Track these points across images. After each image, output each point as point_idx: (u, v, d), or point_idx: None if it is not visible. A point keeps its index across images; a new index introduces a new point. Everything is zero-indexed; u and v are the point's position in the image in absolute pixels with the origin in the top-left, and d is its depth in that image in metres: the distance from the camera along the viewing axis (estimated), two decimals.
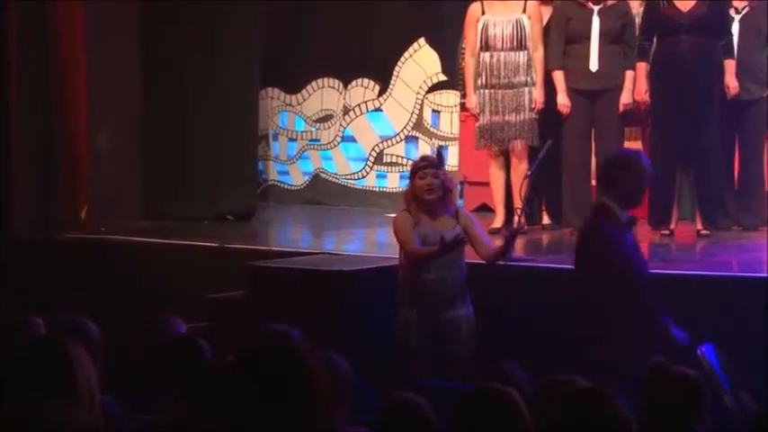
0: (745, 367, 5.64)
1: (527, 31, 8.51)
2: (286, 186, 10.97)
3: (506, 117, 8.54)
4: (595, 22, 8.43)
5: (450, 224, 6.42)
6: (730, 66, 8.38)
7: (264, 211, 10.23)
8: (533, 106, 8.53)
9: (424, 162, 6.54)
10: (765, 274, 7.20)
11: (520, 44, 8.51)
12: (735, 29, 8.57)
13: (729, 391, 5.28)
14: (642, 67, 8.39)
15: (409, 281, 6.41)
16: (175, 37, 9.54)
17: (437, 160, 6.61)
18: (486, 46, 8.55)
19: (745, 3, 8.65)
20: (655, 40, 8.39)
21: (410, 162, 10.41)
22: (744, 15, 8.63)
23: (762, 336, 6.39)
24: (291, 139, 10.94)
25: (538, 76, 8.55)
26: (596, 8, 8.45)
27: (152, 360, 4.46)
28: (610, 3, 8.46)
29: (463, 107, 9.94)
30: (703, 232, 8.29)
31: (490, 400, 3.61)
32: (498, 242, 6.66)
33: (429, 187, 6.35)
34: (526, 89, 8.55)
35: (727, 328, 6.28)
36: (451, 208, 6.50)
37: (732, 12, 8.61)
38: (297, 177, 10.93)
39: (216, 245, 8.11)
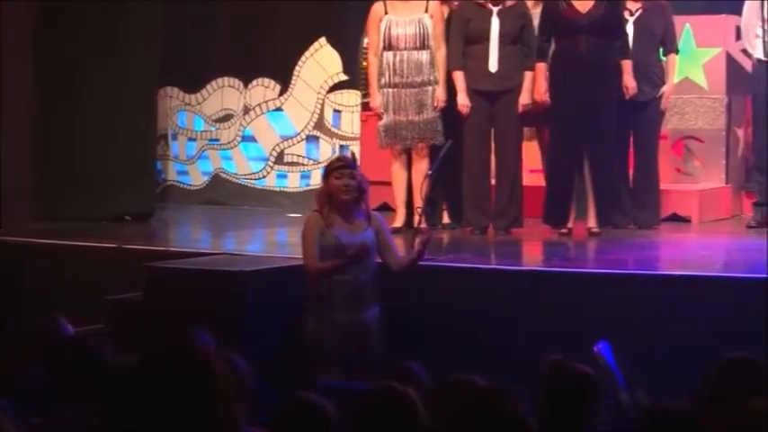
0: (641, 364, 5.72)
1: (429, 31, 8.56)
2: (185, 186, 10.89)
3: (410, 116, 8.58)
4: (495, 23, 8.49)
5: (363, 227, 6.40)
6: (628, 66, 8.50)
7: (163, 211, 10.14)
8: (436, 105, 8.57)
9: (341, 162, 6.52)
10: (661, 272, 7.32)
11: (422, 44, 8.56)
12: (629, 30, 8.69)
13: (625, 387, 5.35)
14: (542, 67, 8.47)
15: (318, 282, 6.37)
16: (73, 36, 9.41)
17: (353, 160, 6.60)
18: (389, 45, 8.58)
19: (638, 5, 8.78)
20: (554, 40, 8.48)
21: (311, 162, 10.43)
22: (637, 18, 8.76)
23: (656, 332, 6.49)
24: (191, 139, 10.87)
25: (440, 75, 8.59)
26: (495, 9, 8.51)
27: (42, 361, 4.40)
28: (509, 4, 8.53)
29: (364, 107, 9.96)
30: (594, 230, 8.38)
31: (387, 400, 3.62)
32: (407, 253, 6.64)
33: (346, 188, 6.32)
34: (429, 88, 8.59)
35: (623, 326, 6.37)
36: (364, 210, 6.48)
37: (626, 14, 8.73)
38: (196, 177, 10.85)
39: (114, 246, 8.02)
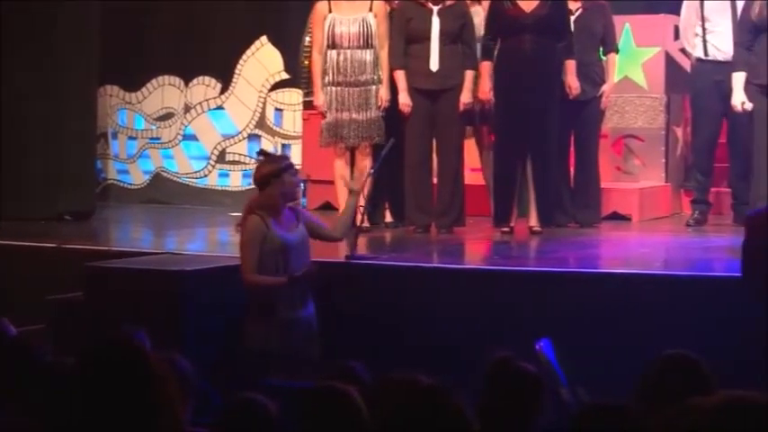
0: (582, 361, 5.76)
1: (373, 30, 8.57)
2: (126, 185, 10.83)
3: (353, 115, 8.58)
4: (435, 22, 8.51)
5: (295, 224, 6.41)
6: (571, 66, 8.54)
7: (104, 210, 10.07)
8: (379, 104, 8.59)
9: (289, 160, 6.54)
10: (601, 270, 7.38)
11: (366, 43, 8.57)
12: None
13: (566, 385, 5.38)
14: (486, 66, 8.50)
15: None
16: (11, 35, 9.32)
17: None
18: (332, 44, 8.58)
19: (578, 5, 8.83)
20: (499, 39, 8.51)
21: (253, 161, 10.39)
22: (577, 17, 8.81)
23: (597, 330, 6.53)
24: (131, 138, 10.81)
25: (384, 74, 8.61)
26: (436, 9, 8.53)
27: None
28: (448, 3, 8.55)
29: (306, 105, 9.95)
30: (536, 229, 8.43)
31: (329, 399, 3.62)
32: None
33: (298, 185, 6.37)
34: (373, 87, 8.61)
35: (564, 323, 6.41)
36: (291, 208, 6.48)
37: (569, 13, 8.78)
38: (137, 176, 10.79)
39: (53, 245, 7.95)
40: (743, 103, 7.85)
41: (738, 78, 7.88)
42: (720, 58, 8.75)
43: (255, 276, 6.28)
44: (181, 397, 3.35)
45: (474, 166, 9.15)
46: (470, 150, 9.08)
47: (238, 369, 6.23)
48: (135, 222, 10.27)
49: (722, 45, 8.76)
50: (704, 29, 8.85)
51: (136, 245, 8.73)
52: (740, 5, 8.44)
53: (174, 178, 10.66)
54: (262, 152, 6.86)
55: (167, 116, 10.67)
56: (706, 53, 8.86)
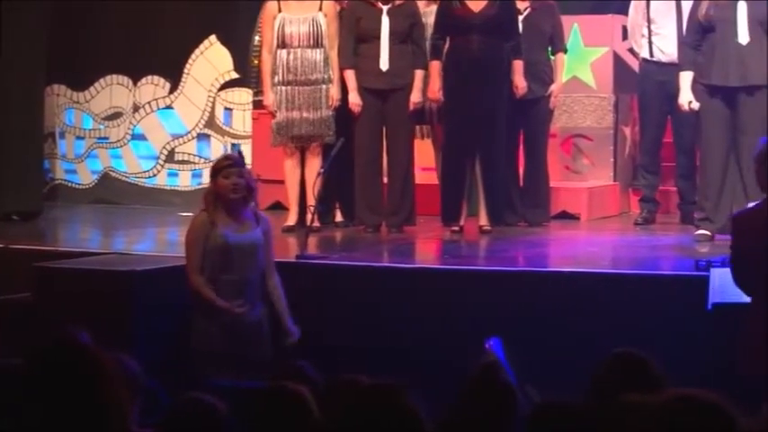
0: (532, 360, 5.78)
1: (323, 29, 8.56)
2: (74, 185, 10.75)
3: (303, 114, 8.57)
4: (385, 21, 8.52)
5: (251, 226, 6.37)
6: (519, 66, 8.57)
7: (52, 210, 10.00)
8: (330, 103, 8.58)
9: (229, 161, 6.47)
10: (550, 269, 7.41)
11: (316, 42, 8.56)
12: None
13: (516, 384, 5.39)
14: (435, 65, 8.52)
15: (208, 283, 6.31)
16: None
17: (240, 159, 6.57)
18: (282, 43, 8.57)
19: (527, 4, 8.87)
20: (448, 39, 8.53)
21: (202, 160, 10.36)
22: (526, 16, 8.85)
23: (547, 329, 6.56)
24: (79, 138, 10.73)
25: (334, 73, 8.60)
26: (385, 8, 8.54)
27: None
28: (398, 2, 8.56)
29: (256, 105, 9.92)
30: (486, 228, 8.45)
31: (280, 399, 3.61)
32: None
33: (234, 187, 6.28)
34: (323, 86, 8.60)
35: (514, 322, 6.43)
36: (252, 209, 6.44)
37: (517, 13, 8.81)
38: (85, 176, 10.72)
39: (0, 246, 7.88)
40: (690, 102, 7.91)
41: (685, 77, 7.94)
42: (665, 59, 8.82)
43: (198, 281, 6.25)
44: (128, 397, 3.33)
45: (428, 165, 9.16)
46: (425, 149, 9.10)
47: (187, 369, 6.20)
48: (83, 222, 10.19)
49: (666, 47, 8.83)
50: (650, 30, 8.92)
51: (84, 245, 8.66)
52: (685, 7, 8.50)
53: (123, 178, 10.60)
54: (239, 153, 6.80)
55: (115, 116, 10.60)
56: (651, 54, 8.94)
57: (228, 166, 6.34)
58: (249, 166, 9.53)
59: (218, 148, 10.28)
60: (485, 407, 4.01)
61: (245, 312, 6.24)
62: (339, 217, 8.98)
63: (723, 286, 6.00)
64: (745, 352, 5.19)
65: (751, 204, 5.82)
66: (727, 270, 6.22)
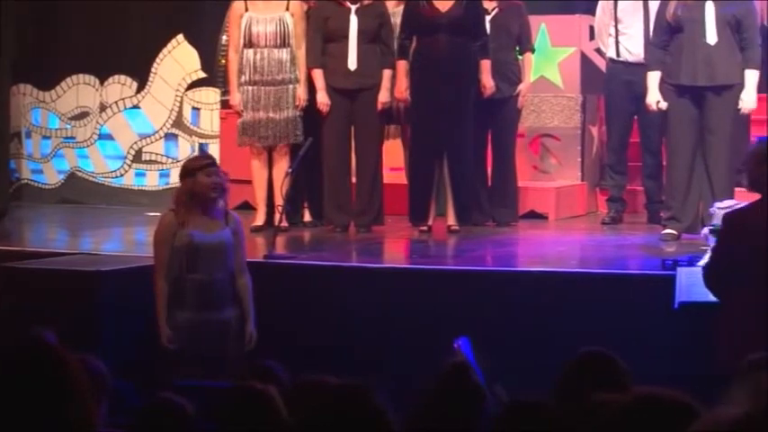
0: (501, 359, 5.79)
1: (290, 29, 8.55)
2: (40, 185, 10.70)
3: (270, 114, 8.56)
4: (353, 21, 8.51)
5: (220, 226, 6.34)
6: (486, 66, 8.58)
7: (18, 210, 9.94)
8: (297, 104, 8.57)
9: (210, 160, 6.47)
10: (518, 269, 7.43)
11: (283, 42, 8.55)
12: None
13: (484, 383, 5.40)
14: (402, 65, 8.52)
15: (174, 282, 6.29)
16: None
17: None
18: (249, 43, 8.55)
19: (494, 4, 8.88)
20: (415, 39, 8.53)
21: (170, 160, 10.33)
22: (493, 17, 8.87)
23: (515, 328, 6.58)
24: (45, 137, 10.68)
25: (301, 73, 8.59)
26: (354, 7, 8.53)
27: None
28: (366, 2, 8.56)
29: (223, 104, 9.90)
30: (454, 228, 8.46)
31: (247, 399, 3.61)
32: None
33: (214, 185, 6.26)
34: (290, 86, 8.58)
35: (482, 322, 6.44)
36: (222, 209, 6.42)
37: (484, 13, 8.82)
38: (51, 176, 10.67)
39: None
40: (657, 102, 7.94)
41: (653, 77, 7.97)
42: (631, 59, 8.86)
43: (159, 287, 6.24)
44: (94, 397, 3.31)
45: (396, 165, 9.16)
46: (394, 149, 9.10)
47: (155, 369, 6.18)
48: (50, 222, 10.14)
49: (633, 47, 8.87)
50: (617, 30, 8.96)
51: (51, 245, 8.62)
52: (653, 7, 8.54)
53: (90, 178, 10.56)
54: (201, 149, 6.79)
55: (82, 115, 10.55)
56: (618, 54, 8.97)
57: (210, 164, 6.33)
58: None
59: (185, 148, 10.25)
60: (452, 406, 4.02)
61: (171, 347, 6.21)
62: (307, 217, 8.96)
63: (690, 285, 6.04)
64: (723, 351, 5.18)
65: (741, 204, 5.85)
66: (694, 269, 6.26)
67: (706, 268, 5.54)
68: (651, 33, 8.37)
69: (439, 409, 3.99)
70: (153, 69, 10.36)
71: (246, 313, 6.38)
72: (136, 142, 10.45)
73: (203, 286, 6.28)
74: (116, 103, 10.47)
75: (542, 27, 9.65)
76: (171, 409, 3.78)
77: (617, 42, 8.96)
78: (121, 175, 10.49)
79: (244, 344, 6.35)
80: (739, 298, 5.32)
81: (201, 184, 6.24)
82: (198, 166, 6.31)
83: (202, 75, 10.30)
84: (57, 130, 10.64)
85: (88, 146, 10.56)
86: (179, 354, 6.23)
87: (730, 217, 5.53)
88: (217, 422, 3.68)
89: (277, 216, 7.95)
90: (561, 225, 9.15)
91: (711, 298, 5.54)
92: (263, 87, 8.57)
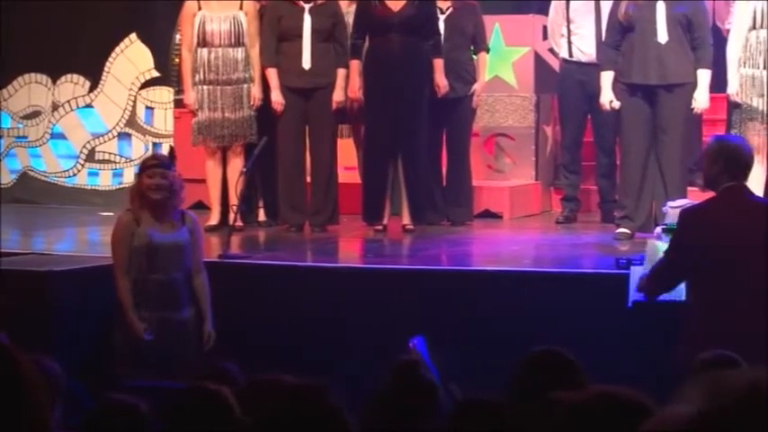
0: (456, 358, 5.80)
1: (244, 28, 8.54)
2: None
3: (225, 113, 8.54)
4: (307, 20, 8.50)
5: (176, 226, 6.33)
6: (439, 65, 8.60)
7: None
8: (252, 103, 8.55)
9: (155, 161, 6.45)
10: (473, 268, 7.44)
11: (237, 41, 8.53)
12: (440, 29, 8.80)
13: (439, 382, 5.40)
14: (355, 65, 8.52)
15: (134, 283, 6.26)
16: None
17: (168, 160, 6.53)
18: (203, 42, 8.52)
19: (449, 4, 8.90)
20: (367, 38, 8.54)
21: (124, 160, 10.27)
22: (448, 16, 8.88)
23: (470, 327, 6.59)
24: None
25: (255, 72, 8.57)
26: (307, 6, 8.52)
27: None
28: (319, 1, 8.54)
29: (177, 104, 9.86)
30: (409, 227, 8.48)
31: (201, 399, 3.59)
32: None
33: (156, 187, 6.24)
34: (245, 85, 8.57)
35: (437, 321, 6.45)
36: (178, 210, 6.40)
37: (437, 12, 8.84)
38: (3, 175, 10.58)
39: None
40: (611, 102, 7.98)
41: (606, 77, 8.01)
42: (584, 59, 8.91)
43: (122, 286, 6.21)
44: (49, 399, 3.29)
45: (350, 164, 9.16)
46: (348, 148, 9.09)
47: (110, 369, 6.15)
48: (2, 222, 10.04)
49: (585, 47, 8.92)
50: (569, 30, 9.00)
51: (3, 245, 8.52)
52: (604, 8, 8.59)
53: (42, 177, 10.48)
54: (171, 152, 6.76)
55: (34, 114, 10.47)
56: (570, 54, 9.02)
57: (153, 165, 6.32)
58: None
59: (139, 148, 10.20)
60: (405, 404, 4.02)
61: (147, 338, 6.18)
62: (262, 216, 8.94)
63: None
64: (681, 350, 5.20)
65: (697, 201, 5.88)
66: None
67: (655, 268, 5.56)
68: (604, 33, 8.42)
69: (392, 407, 4.00)
70: (106, 68, 10.30)
71: (204, 312, 6.37)
72: (89, 141, 10.38)
73: (162, 286, 6.26)
74: (68, 102, 10.40)
75: (496, 27, 9.68)
76: (124, 409, 3.76)
77: (569, 43, 9.01)
78: (74, 175, 10.42)
79: (202, 343, 6.34)
80: (696, 296, 5.36)
81: (144, 185, 6.26)
82: (144, 166, 6.34)
83: (156, 74, 10.25)
84: (8, 129, 10.55)
85: (40, 145, 10.48)
86: (134, 354, 6.20)
87: (686, 212, 5.57)
88: (170, 423, 3.66)
89: (231, 216, 7.93)
90: (516, 224, 9.18)
91: (665, 297, 5.57)
92: (218, 87, 8.55)
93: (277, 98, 8.53)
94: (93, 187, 10.38)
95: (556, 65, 9.40)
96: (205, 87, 8.55)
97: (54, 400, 3.88)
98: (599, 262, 7.29)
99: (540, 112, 9.78)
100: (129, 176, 9.69)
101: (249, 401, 3.79)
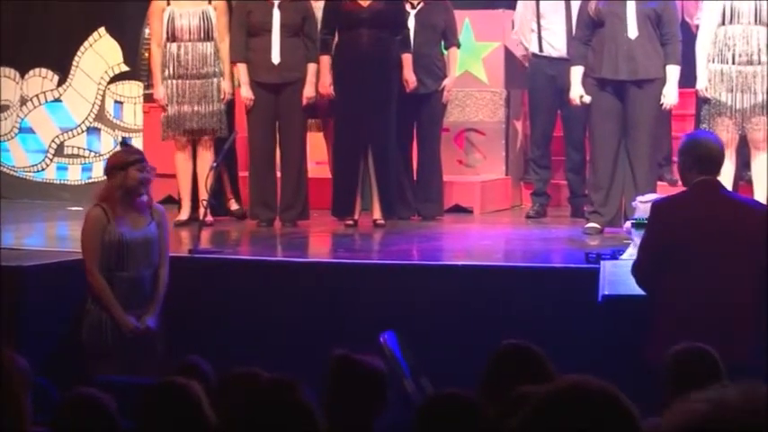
0: (426, 353, 5.81)
1: (213, 23, 8.52)
2: None
3: (195, 108, 8.51)
4: (276, 14, 8.48)
5: (146, 221, 6.29)
6: (408, 60, 8.60)
7: None
8: (222, 97, 8.53)
9: (139, 155, 6.42)
10: (444, 262, 7.45)
11: (207, 35, 8.52)
12: (410, 24, 8.81)
13: (410, 376, 5.41)
14: (325, 60, 8.51)
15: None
16: None
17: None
18: (172, 36, 8.50)
19: None
20: (337, 34, 8.53)
21: (93, 154, 10.22)
22: (418, 12, 8.88)
23: (441, 321, 6.59)
24: None
25: (225, 67, 8.55)
26: (276, 1, 8.50)
27: None
28: None
29: (147, 98, 9.82)
30: (380, 222, 8.47)
31: (169, 394, 3.58)
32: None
33: (146, 181, 6.22)
34: (214, 80, 8.55)
35: (408, 316, 6.45)
36: (147, 203, 6.37)
37: (408, 7, 8.85)
38: None
39: None
40: (581, 97, 8.00)
41: (576, 72, 8.03)
42: (554, 54, 8.93)
43: (101, 284, 6.16)
44: (25, 389, 3.28)
45: (321, 158, 9.14)
46: (318, 143, 9.07)
47: (78, 364, 6.12)
48: None
49: (556, 42, 8.94)
50: (539, 25, 9.02)
51: None
52: (574, 3, 8.61)
53: (11, 172, 10.42)
54: (123, 142, 6.72)
55: (2, 109, 10.40)
56: (541, 49, 9.03)
57: (140, 160, 6.28)
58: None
59: (108, 142, 10.15)
60: (349, 397, 4.02)
61: (139, 328, 6.16)
62: (234, 205, 8.93)
63: (613, 279, 6.08)
64: (652, 343, 5.22)
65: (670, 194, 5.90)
66: (618, 263, 6.32)
67: (636, 264, 5.57)
68: (574, 28, 8.44)
69: (339, 403, 4.00)
70: (74, 62, 10.25)
71: (153, 303, 6.28)
72: (57, 136, 10.33)
73: (131, 283, 6.23)
74: (37, 96, 10.34)
75: (466, 22, 9.68)
76: (91, 404, 3.75)
77: (540, 38, 9.02)
78: (43, 170, 10.37)
79: (169, 339, 6.31)
80: (668, 289, 5.37)
81: (133, 179, 6.19)
82: (130, 161, 6.26)
83: (125, 68, 10.20)
84: None
85: (9, 140, 10.42)
86: (102, 349, 6.17)
87: (658, 204, 5.60)
88: (139, 418, 3.65)
89: (201, 210, 7.90)
90: (486, 219, 9.19)
91: (635, 291, 5.59)
92: (187, 81, 8.53)
93: (246, 93, 8.51)
94: (62, 182, 10.33)
95: (524, 59, 9.41)
96: (174, 82, 8.53)
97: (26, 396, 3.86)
98: (569, 256, 7.31)
99: (510, 107, 9.79)
100: (98, 171, 9.64)
101: (219, 396, 3.78)
